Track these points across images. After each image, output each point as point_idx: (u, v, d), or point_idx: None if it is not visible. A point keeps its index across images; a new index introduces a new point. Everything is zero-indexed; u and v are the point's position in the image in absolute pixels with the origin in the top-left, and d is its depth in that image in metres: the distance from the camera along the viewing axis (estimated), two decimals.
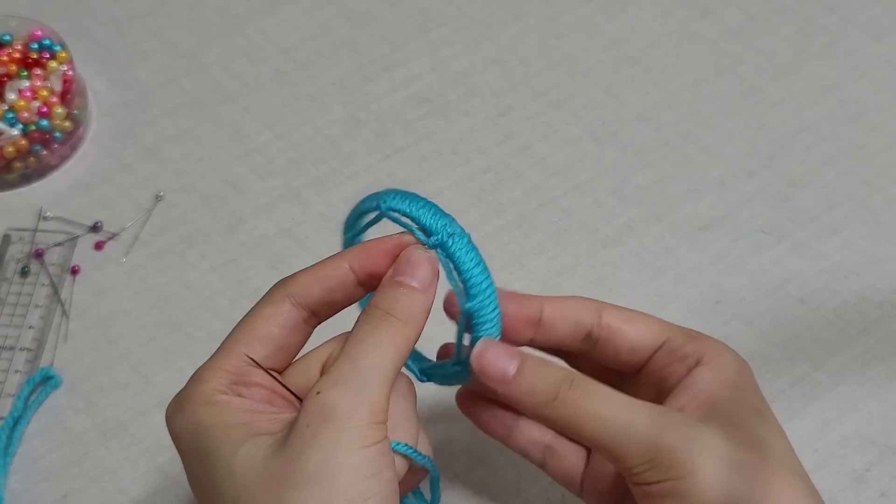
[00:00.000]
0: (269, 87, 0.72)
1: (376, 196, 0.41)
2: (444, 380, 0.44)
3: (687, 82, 0.72)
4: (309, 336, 0.41)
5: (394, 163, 0.67)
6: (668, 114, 0.70)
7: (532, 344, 0.44)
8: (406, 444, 0.38)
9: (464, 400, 0.46)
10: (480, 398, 0.45)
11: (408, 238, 0.40)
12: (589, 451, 0.44)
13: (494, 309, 0.40)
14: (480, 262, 0.40)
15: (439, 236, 0.40)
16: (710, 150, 0.68)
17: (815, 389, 0.56)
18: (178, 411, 0.38)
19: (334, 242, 0.64)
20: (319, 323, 0.41)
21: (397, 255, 0.39)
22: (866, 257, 0.62)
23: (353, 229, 0.43)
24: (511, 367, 0.40)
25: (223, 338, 0.59)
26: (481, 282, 0.40)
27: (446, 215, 0.40)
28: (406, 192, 0.41)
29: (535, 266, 0.62)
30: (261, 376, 0.39)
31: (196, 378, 0.39)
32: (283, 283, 0.41)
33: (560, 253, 0.62)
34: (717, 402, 0.40)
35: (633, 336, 0.42)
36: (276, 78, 0.72)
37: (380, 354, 0.37)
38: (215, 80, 0.72)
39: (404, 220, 0.40)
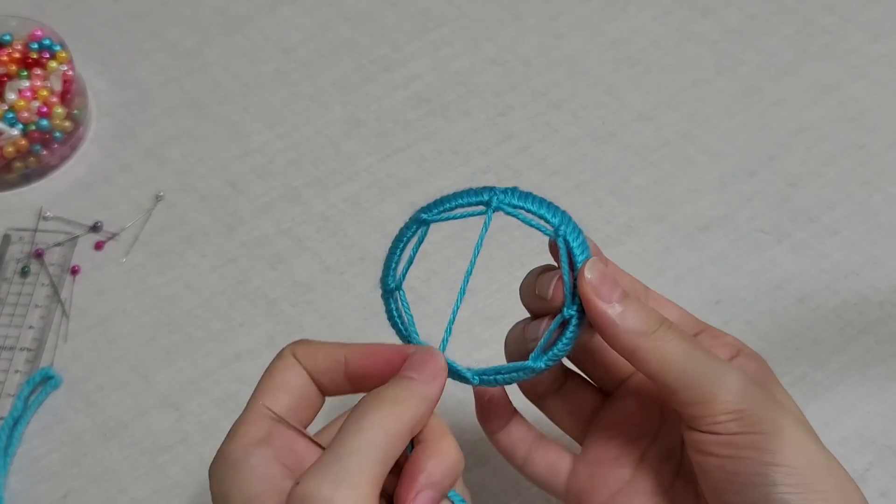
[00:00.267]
0: (269, 87, 0.72)
1: (487, 190, 0.41)
2: (507, 379, 0.42)
3: (687, 82, 0.72)
4: (323, 401, 0.41)
5: (394, 163, 0.67)
6: (668, 114, 0.70)
7: None
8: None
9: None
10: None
11: (412, 349, 0.40)
12: (572, 456, 0.45)
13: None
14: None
15: (564, 228, 0.41)
16: (709, 150, 0.68)
17: (815, 389, 0.56)
18: (213, 473, 0.38)
19: (334, 242, 0.64)
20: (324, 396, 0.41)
21: (394, 364, 0.39)
22: (866, 257, 0.62)
23: (438, 212, 0.41)
24: (618, 292, 0.40)
25: (223, 338, 0.59)
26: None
27: (563, 210, 0.42)
28: (521, 190, 0.42)
29: (535, 266, 0.61)
30: (286, 431, 0.39)
31: (232, 436, 0.39)
32: (291, 344, 0.41)
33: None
34: (766, 387, 0.41)
35: (673, 317, 0.43)
36: (276, 78, 0.72)
37: (365, 438, 0.35)
38: (215, 80, 0.72)
39: (521, 213, 0.41)
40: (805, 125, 0.69)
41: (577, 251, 0.40)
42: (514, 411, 0.45)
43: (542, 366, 0.41)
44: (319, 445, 0.39)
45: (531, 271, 0.43)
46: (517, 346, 0.43)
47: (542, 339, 0.41)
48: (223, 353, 0.58)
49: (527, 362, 0.41)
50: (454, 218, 0.41)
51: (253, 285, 0.61)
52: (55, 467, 0.54)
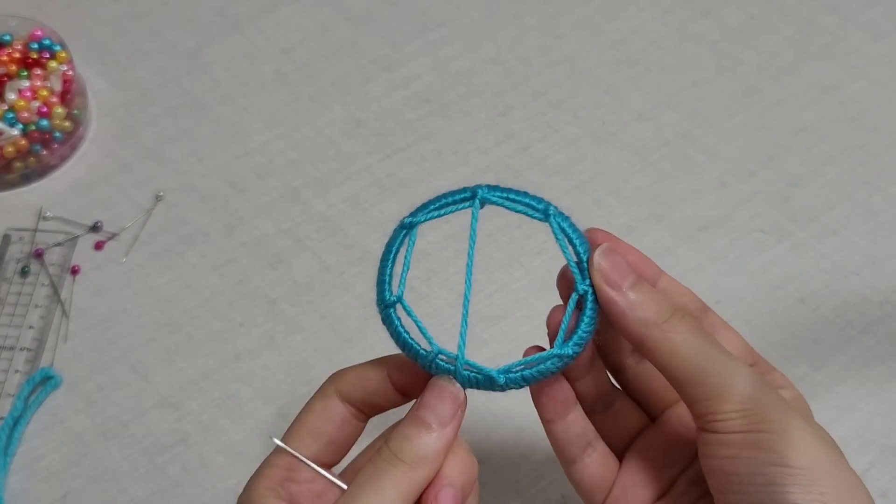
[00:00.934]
0: (268, 87, 0.72)
1: (469, 188, 0.41)
2: (535, 374, 0.40)
3: (687, 82, 0.72)
4: (361, 430, 0.41)
5: (394, 163, 0.67)
6: (667, 114, 0.70)
7: None
8: None
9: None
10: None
11: (439, 379, 0.39)
12: (619, 466, 0.43)
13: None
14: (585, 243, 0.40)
15: (551, 209, 0.41)
16: (709, 150, 0.68)
17: (814, 389, 0.56)
18: None
19: (334, 242, 0.64)
20: (369, 418, 0.41)
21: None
22: (866, 257, 0.62)
23: (424, 213, 0.41)
24: (630, 279, 0.39)
25: (223, 338, 0.59)
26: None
27: (546, 200, 0.42)
28: (502, 187, 0.41)
29: (535, 266, 0.62)
30: (310, 472, 0.39)
31: (255, 476, 0.39)
32: (333, 378, 0.41)
33: (560, 253, 0.62)
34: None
35: (728, 343, 0.41)
36: (276, 78, 0.72)
37: (380, 500, 0.36)
38: (215, 80, 0.72)
39: (507, 202, 0.41)
40: (805, 125, 0.69)
41: (570, 230, 0.40)
42: (576, 402, 0.42)
43: (571, 352, 0.39)
44: (341, 486, 0.39)
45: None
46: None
47: (564, 322, 0.39)
48: (223, 353, 0.58)
49: (553, 350, 0.39)
50: (440, 215, 0.40)
51: (253, 285, 0.61)
52: (55, 467, 0.54)
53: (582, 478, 0.43)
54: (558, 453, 0.43)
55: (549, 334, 0.41)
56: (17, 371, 0.57)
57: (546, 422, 0.42)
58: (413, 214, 0.41)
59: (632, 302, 0.39)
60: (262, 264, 0.62)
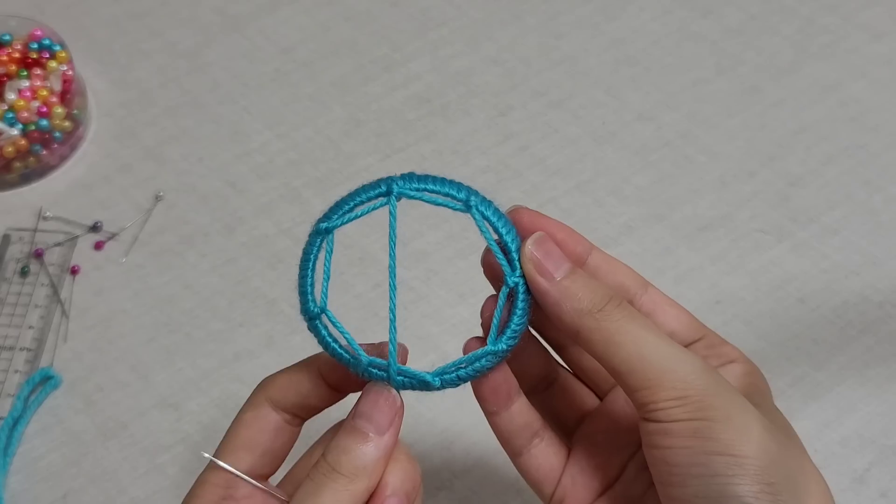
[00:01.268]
0: (269, 87, 0.72)
1: (382, 180, 0.38)
2: (471, 372, 0.39)
3: (687, 82, 0.72)
4: (297, 435, 0.40)
5: (394, 163, 0.67)
6: (668, 114, 0.70)
7: None
8: None
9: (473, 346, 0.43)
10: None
11: (374, 385, 0.38)
12: (568, 453, 0.42)
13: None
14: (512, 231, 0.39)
15: (472, 199, 0.38)
16: (710, 150, 0.68)
17: (815, 389, 0.56)
18: None
19: (334, 242, 0.64)
20: (304, 422, 0.40)
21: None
22: (866, 257, 0.62)
23: (337, 217, 0.38)
24: (563, 268, 0.37)
25: (222, 338, 0.59)
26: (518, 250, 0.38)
27: (467, 186, 0.39)
28: (418, 174, 0.38)
29: None
30: (248, 486, 0.38)
31: (189, 496, 0.39)
32: (262, 385, 0.40)
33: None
34: (749, 396, 0.38)
35: (672, 320, 0.40)
36: (276, 78, 0.72)
37: None
38: (215, 80, 0.72)
39: (424, 195, 0.38)
40: (805, 125, 0.69)
41: (493, 218, 0.38)
42: (519, 391, 0.41)
43: (504, 346, 0.38)
44: (282, 499, 0.38)
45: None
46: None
47: (495, 317, 0.38)
48: (223, 353, 0.58)
49: (486, 347, 0.38)
50: (357, 217, 0.38)
51: (252, 285, 0.61)
52: (55, 467, 0.54)
53: (528, 469, 0.41)
54: (503, 445, 0.41)
55: (482, 325, 0.40)
56: (16, 371, 0.57)
57: (488, 414, 0.41)
58: (327, 217, 0.38)
59: (565, 291, 0.37)
60: (261, 264, 0.62)
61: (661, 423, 0.36)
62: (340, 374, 0.39)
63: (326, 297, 0.38)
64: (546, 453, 0.41)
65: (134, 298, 0.61)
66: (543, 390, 0.43)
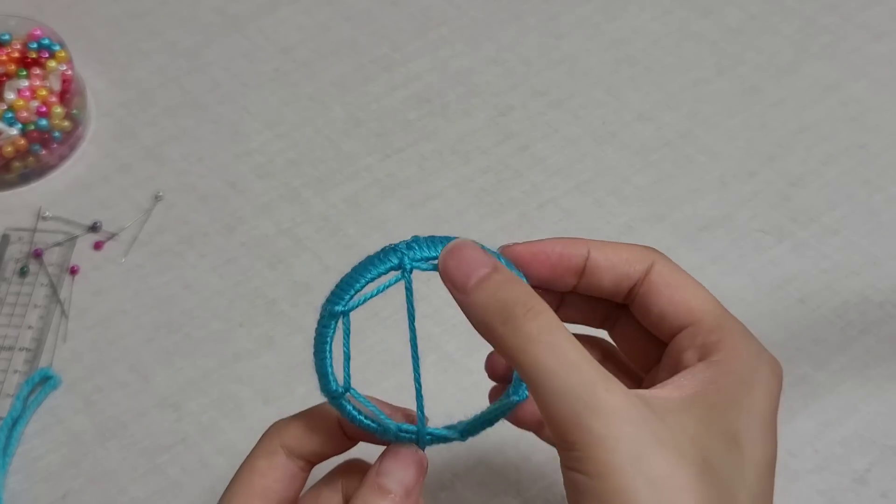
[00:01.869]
0: (268, 86, 0.72)
1: (391, 252, 0.36)
2: (493, 422, 0.40)
3: (687, 82, 0.72)
4: (306, 479, 0.39)
5: (393, 163, 0.67)
6: (668, 114, 0.70)
7: (575, 291, 0.39)
8: None
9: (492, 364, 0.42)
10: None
11: (398, 445, 0.37)
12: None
13: None
14: None
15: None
16: (710, 149, 0.68)
17: (815, 390, 0.56)
18: None
19: (334, 242, 0.64)
20: (315, 465, 0.39)
21: (387, 412, 0.38)
22: (867, 257, 0.62)
23: (350, 297, 0.37)
24: (477, 274, 0.34)
25: (222, 338, 0.59)
26: None
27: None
28: (424, 238, 0.37)
29: None
30: None
31: None
32: (276, 431, 0.38)
33: None
34: (694, 405, 0.34)
35: (667, 307, 0.37)
36: (276, 78, 0.72)
37: None
38: (215, 80, 0.72)
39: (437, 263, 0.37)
40: (806, 125, 0.69)
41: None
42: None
43: (525, 395, 0.39)
44: None
45: None
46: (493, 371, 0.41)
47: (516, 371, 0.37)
48: (222, 353, 0.58)
49: (509, 399, 0.39)
50: (372, 297, 0.37)
51: (252, 285, 0.61)
52: (54, 467, 0.54)
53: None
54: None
55: (488, 374, 0.41)
56: (16, 371, 0.57)
57: (534, 432, 0.42)
58: (338, 298, 0.37)
59: (475, 301, 0.34)
60: (261, 264, 0.62)
61: (562, 467, 0.33)
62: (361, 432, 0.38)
63: (350, 378, 0.38)
64: None
65: (133, 298, 0.61)
66: (632, 305, 0.39)
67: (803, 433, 0.55)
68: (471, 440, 0.54)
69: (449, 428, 0.39)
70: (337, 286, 0.37)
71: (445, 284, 0.35)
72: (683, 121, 0.69)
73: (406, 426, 0.38)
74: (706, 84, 0.71)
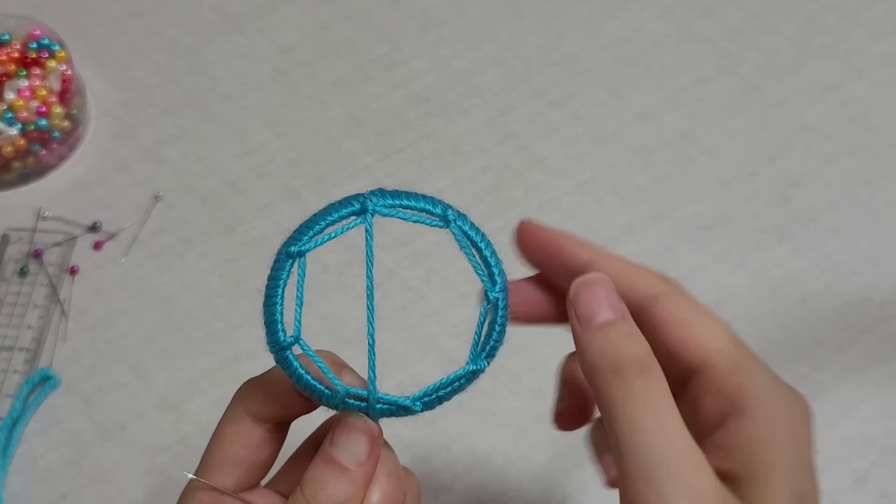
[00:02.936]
0: (268, 86, 0.72)
1: (354, 197, 0.36)
2: (451, 392, 0.37)
3: (688, 82, 0.72)
4: (284, 439, 0.38)
5: (393, 162, 0.67)
6: (668, 113, 0.70)
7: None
8: None
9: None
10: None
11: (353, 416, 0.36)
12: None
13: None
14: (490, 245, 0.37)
15: (449, 214, 0.37)
16: (710, 149, 0.68)
17: (816, 390, 0.56)
18: None
19: (333, 242, 0.64)
20: (290, 424, 0.38)
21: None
22: (868, 257, 0.62)
23: (308, 238, 0.36)
24: (605, 316, 0.34)
25: (222, 338, 0.59)
26: (499, 263, 0.37)
27: (440, 199, 0.38)
28: (390, 190, 0.37)
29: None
30: (236, 501, 0.36)
31: None
32: (240, 396, 0.37)
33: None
34: (755, 471, 0.33)
35: (677, 346, 0.36)
36: (276, 77, 0.72)
37: None
38: (214, 80, 0.72)
39: (399, 212, 0.36)
40: (806, 125, 0.69)
41: (472, 233, 0.37)
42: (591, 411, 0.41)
43: (485, 364, 0.36)
44: None
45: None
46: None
47: (476, 334, 0.36)
48: (222, 353, 0.58)
49: (466, 367, 0.36)
50: (331, 238, 0.36)
51: (252, 285, 0.61)
52: (54, 468, 0.54)
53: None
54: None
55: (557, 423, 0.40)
56: (15, 371, 0.57)
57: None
58: (296, 239, 0.36)
59: (592, 343, 0.34)
60: (261, 264, 0.62)
61: None
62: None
63: (300, 326, 0.35)
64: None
65: (133, 298, 0.60)
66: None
67: None
68: (471, 441, 0.54)
69: (406, 398, 0.36)
70: (296, 228, 0.36)
71: (568, 310, 0.35)
72: (684, 120, 0.69)
73: (357, 391, 0.35)
74: (707, 84, 0.71)
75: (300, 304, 0.35)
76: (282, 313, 0.35)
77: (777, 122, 0.69)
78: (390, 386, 0.55)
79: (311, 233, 0.36)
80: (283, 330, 0.35)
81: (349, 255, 0.62)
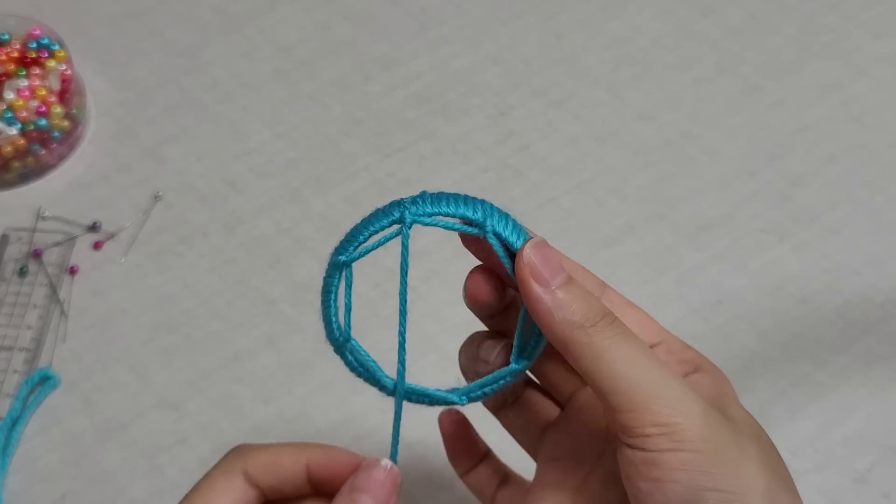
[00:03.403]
0: (268, 86, 0.71)
1: (395, 206, 0.37)
2: (495, 389, 0.40)
3: (688, 81, 0.71)
4: None
5: (393, 162, 0.67)
6: (668, 113, 0.70)
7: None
8: None
9: (447, 426, 0.44)
10: (463, 428, 0.44)
11: (372, 461, 0.37)
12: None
13: None
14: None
15: (488, 223, 0.38)
16: (711, 149, 0.68)
17: (816, 389, 0.56)
18: None
19: (333, 242, 0.64)
20: None
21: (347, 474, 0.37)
22: (868, 257, 0.62)
23: (354, 248, 0.39)
24: (560, 277, 0.36)
25: (222, 338, 0.59)
26: None
27: (481, 201, 0.39)
28: (431, 194, 0.38)
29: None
30: None
31: None
32: (240, 453, 0.37)
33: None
34: (718, 408, 0.36)
35: (631, 323, 0.38)
36: (276, 77, 0.72)
37: None
38: (214, 80, 0.72)
39: (439, 219, 0.38)
40: (806, 124, 0.69)
41: (511, 239, 0.37)
42: (486, 453, 0.44)
43: (526, 364, 0.39)
44: None
45: (472, 337, 0.41)
46: (469, 361, 0.41)
47: (517, 336, 0.38)
48: (222, 353, 0.58)
49: (511, 366, 0.38)
50: (373, 249, 0.38)
51: (252, 285, 0.61)
52: (54, 468, 0.54)
53: None
54: (476, 496, 0.44)
55: (461, 363, 0.41)
56: (15, 371, 0.57)
57: (459, 474, 0.44)
58: (343, 249, 0.39)
59: (559, 301, 0.36)
60: (261, 264, 0.62)
61: (648, 453, 0.34)
62: (331, 472, 0.37)
63: (350, 328, 0.39)
64: (509, 494, 0.43)
65: (133, 298, 0.60)
66: (511, 405, 0.42)
67: (804, 433, 0.54)
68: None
69: (451, 391, 0.39)
70: (344, 238, 0.39)
71: (518, 273, 0.36)
72: (684, 120, 0.69)
73: (413, 386, 0.39)
74: (707, 83, 0.71)
75: (349, 310, 0.39)
76: (335, 315, 0.39)
77: (777, 122, 0.69)
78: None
79: (356, 242, 0.38)
80: (339, 328, 0.39)
81: None
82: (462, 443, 0.44)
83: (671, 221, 0.64)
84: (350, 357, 0.39)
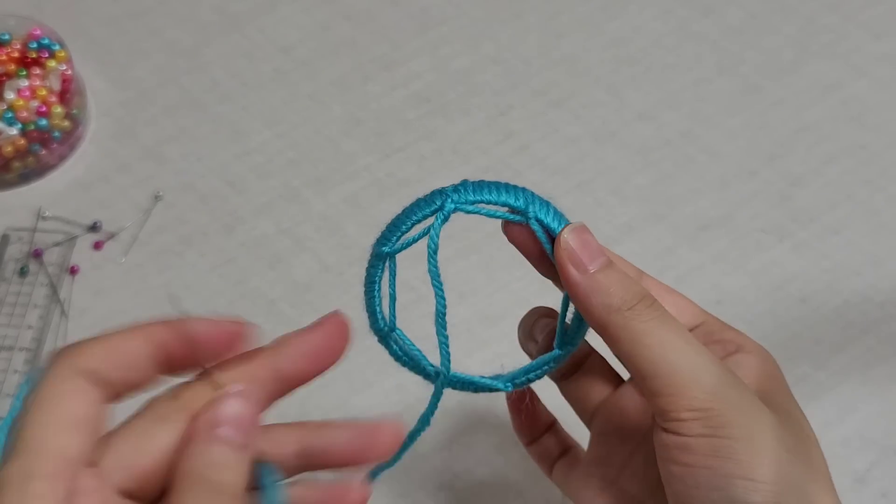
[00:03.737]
0: (268, 86, 0.71)
1: (437, 194, 0.37)
2: (540, 375, 0.40)
3: (688, 81, 0.71)
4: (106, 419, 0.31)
5: (393, 162, 0.67)
6: (668, 113, 0.70)
7: None
8: None
9: (515, 403, 0.44)
10: (527, 400, 0.44)
11: (240, 327, 0.33)
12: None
13: None
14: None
15: (532, 208, 0.39)
16: (710, 149, 0.68)
17: (816, 389, 0.56)
18: None
19: (333, 242, 0.64)
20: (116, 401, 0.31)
21: (228, 342, 0.33)
22: (868, 257, 0.62)
23: (396, 238, 0.38)
24: (596, 262, 0.36)
25: None
26: None
27: (522, 188, 0.39)
28: (473, 182, 0.38)
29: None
30: (93, 477, 0.30)
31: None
32: (69, 355, 0.31)
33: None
34: (763, 390, 0.37)
35: (670, 307, 0.38)
36: (276, 77, 0.72)
37: None
38: (214, 80, 0.72)
39: (482, 207, 0.38)
40: (806, 124, 0.69)
41: (553, 226, 0.38)
42: (551, 423, 0.44)
43: (570, 349, 0.39)
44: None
45: (532, 310, 0.42)
46: (524, 336, 0.42)
47: (560, 322, 0.39)
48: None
49: (554, 352, 0.39)
50: (416, 241, 0.38)
51: (252, 285, 0.61)
52: None
53: (557, 482, 0.44)
54: (538, 465, 0.45)
55: (519, 335, 0.43)
56: (15, 371, 0.57)
57: (524, 444, 0.45)
58: (386, 240, 0.38)
59: (596, 285, 0.36)
60: (261, 264, 0.62)
61: (681, 437, 0.34)
62: (195, 346, 0.33)
63: (395, 318, 0.40)
64: (568, 463, 0.43)
65: (133, 298, 0.60)
66: (572, 375, 0.43)
67: None
68: (471, 440, 0.54)
69: (495, 378, 0.40)
70: (386, 227, 0.38)
71: (557, 257, 0.37)
72: (684, 120, 0.69)
73: (458, 375, 0.39)
74: (707, 83, 0.71)
75: (393, 300, 0.39)
76: (379, 305, 0.39)
77: (777, 122, 0.69)
78: (390, 385, 0.55)
79: (399, 233, 0.38)
80: (383, 318, 0.39)
81: (349, 254, 0.62)
82: (526, 414, 0.44)
83: (671, 221, 0.64)
84: (395, 347, 0.40)
